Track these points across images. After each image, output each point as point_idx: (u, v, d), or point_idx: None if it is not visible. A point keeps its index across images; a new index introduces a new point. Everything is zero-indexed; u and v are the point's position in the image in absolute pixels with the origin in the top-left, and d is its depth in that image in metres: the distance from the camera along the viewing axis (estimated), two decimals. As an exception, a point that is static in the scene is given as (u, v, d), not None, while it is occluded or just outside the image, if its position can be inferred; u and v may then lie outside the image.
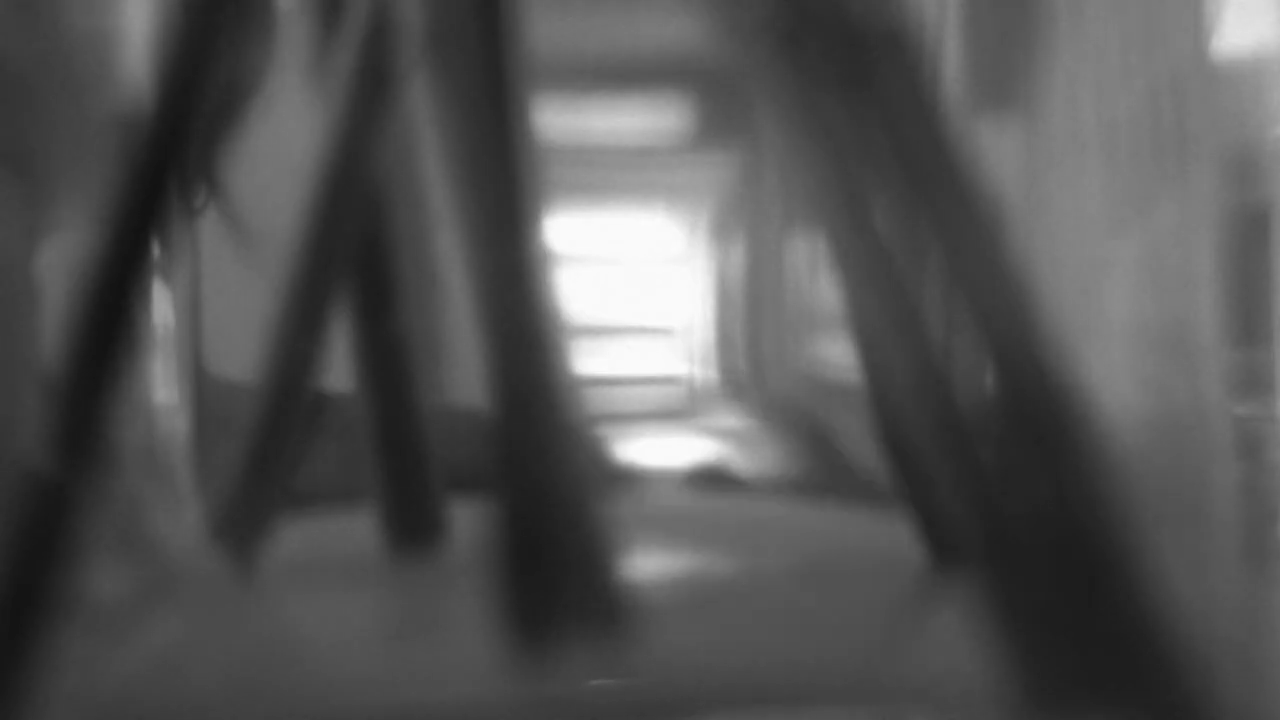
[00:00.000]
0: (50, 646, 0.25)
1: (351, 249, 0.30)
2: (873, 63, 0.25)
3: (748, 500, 0.40)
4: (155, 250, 0.26)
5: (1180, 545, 0.31)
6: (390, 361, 0.31)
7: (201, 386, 0.42)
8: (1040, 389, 0.24)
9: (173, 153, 0.26)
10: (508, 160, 0.25)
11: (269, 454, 0.30)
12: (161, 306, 0.32)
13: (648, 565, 0.30)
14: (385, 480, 0.31)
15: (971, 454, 0.24)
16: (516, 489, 0.25)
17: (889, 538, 0.30)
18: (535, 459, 0.25)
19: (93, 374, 0.26)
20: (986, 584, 0.24)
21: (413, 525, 0.31)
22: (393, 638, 0.27)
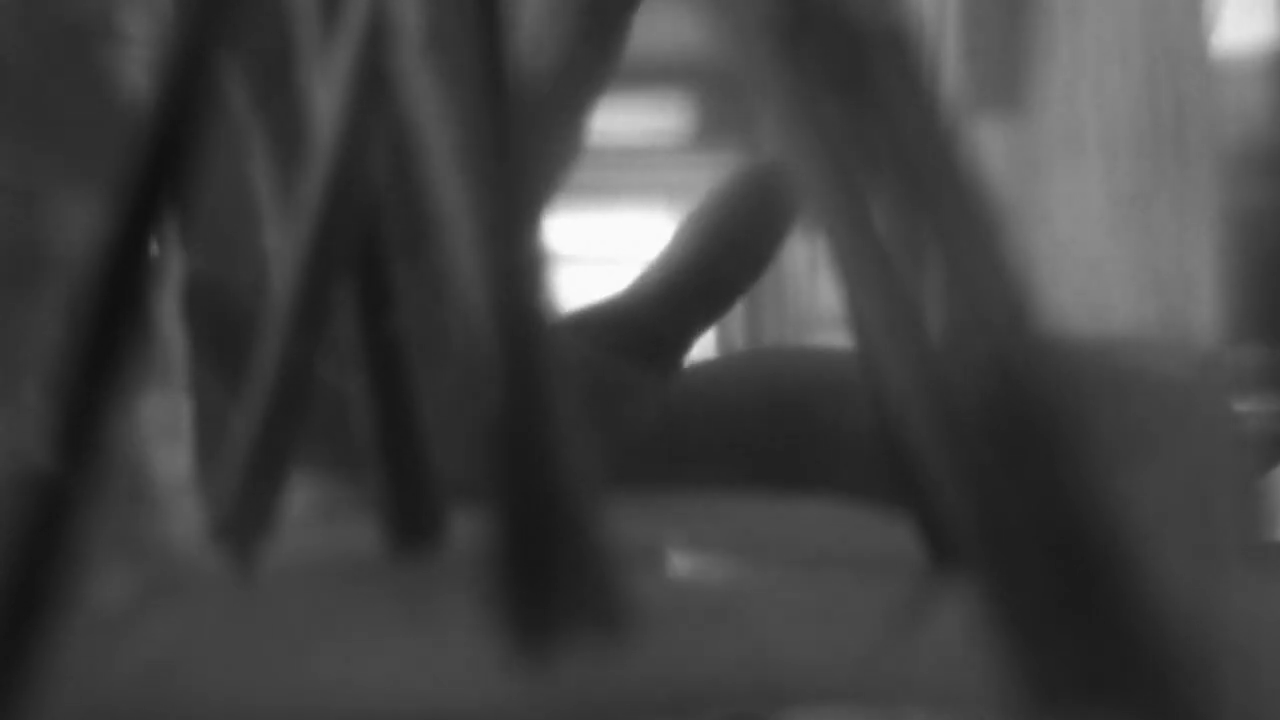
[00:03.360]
0: (50, 646, 0.25)
1: (351, 249, 0.30)
2: (873, 63, 0.25)
3: (747, 500, 0.40)
4: (156, 248, 0.26)
5: (1180, 544, 0.31)
6: (390, 361, 0.31)
7: (201, 386, 0.42)
8: (1039, 388, 0.24)
9: (176, 149, 0.26)
10: (507, 160, 0.25)
11: (269, 454, 0.30)
12: (161, 305, 0.32)
13: (647, 565, 0.30)
14: (385, 480, 0.31)
15: (971, 454, 0.24)
16: (516, 489, 0.25)
17: (889, 538, 0.30)
18: (535, 459, 0.25)
19: (93, 373, 0.26)
20: (986, 584, 0.24)
21: (413, 525, 0.31)
22: (393, 638, 0.27)
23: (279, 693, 0.25)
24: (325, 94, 0.29)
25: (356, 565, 0.31)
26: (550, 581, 0.25)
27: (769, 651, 0.26)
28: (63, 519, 0.26)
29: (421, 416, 0.31)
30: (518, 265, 0.25)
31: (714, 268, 0.44)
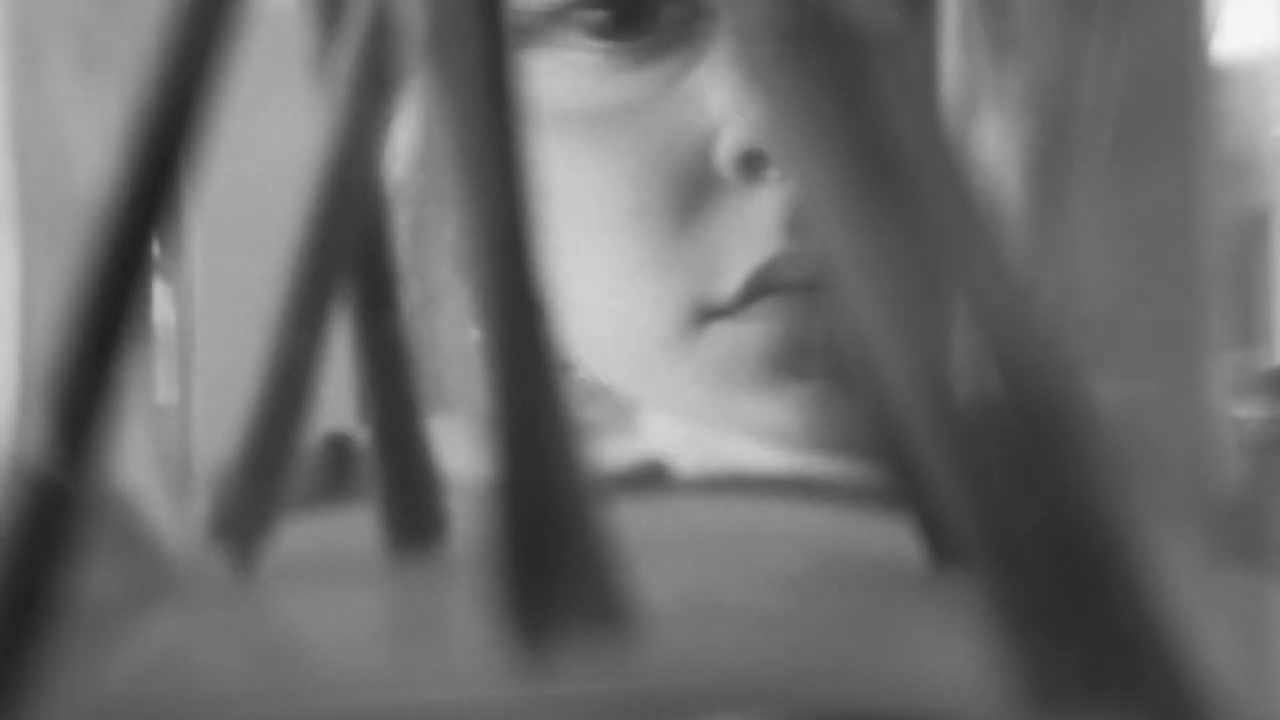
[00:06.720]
0: (50, 646, 0.25)
1: (351, 249, 0.30)
2: (873, 63, 0.25)
3: (747, 500, 0.40)
4: (156, 246, 0.26)
5: (1180, 545, 0.31)
6: (390, 361, 0.31)
7: (201, 385, 0.42)
8: (1040, 389, 0.24)
9: (176, 146, 0.26)
10: (509, 160, 0.25)
11: (269, 454, 0.30)
12: (162, 304, 0.32)
13: (648, 565, 0.30)
14: (385, 480, 0.31)
15: (971, 454, 0.24)
16: (517, 488, 0.25)
17: (889, 538, 0.30)
18: (536, 459, 0.25)
19: (93, 374, 0.26)
20: (987, 585, 0.24)
21: (413, 525, 0.31)
22: (393, 637, 0.27)
23: (279, 693, 0.25)
24: (327, 93, 0.29)
25: (356, 565, 0.31)
26: (550, 581, 0.25)
27: (769, 652, 0.26)
28: (63, 519, 0.26)
29: (422, 416, 0.31)
30: (524, 265, 0.25)
31: None
